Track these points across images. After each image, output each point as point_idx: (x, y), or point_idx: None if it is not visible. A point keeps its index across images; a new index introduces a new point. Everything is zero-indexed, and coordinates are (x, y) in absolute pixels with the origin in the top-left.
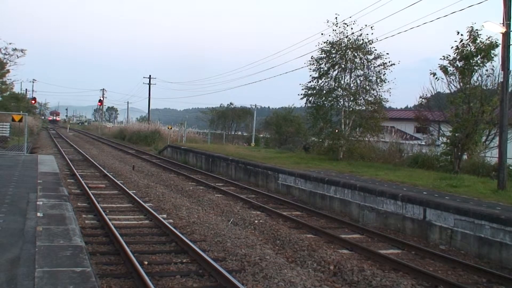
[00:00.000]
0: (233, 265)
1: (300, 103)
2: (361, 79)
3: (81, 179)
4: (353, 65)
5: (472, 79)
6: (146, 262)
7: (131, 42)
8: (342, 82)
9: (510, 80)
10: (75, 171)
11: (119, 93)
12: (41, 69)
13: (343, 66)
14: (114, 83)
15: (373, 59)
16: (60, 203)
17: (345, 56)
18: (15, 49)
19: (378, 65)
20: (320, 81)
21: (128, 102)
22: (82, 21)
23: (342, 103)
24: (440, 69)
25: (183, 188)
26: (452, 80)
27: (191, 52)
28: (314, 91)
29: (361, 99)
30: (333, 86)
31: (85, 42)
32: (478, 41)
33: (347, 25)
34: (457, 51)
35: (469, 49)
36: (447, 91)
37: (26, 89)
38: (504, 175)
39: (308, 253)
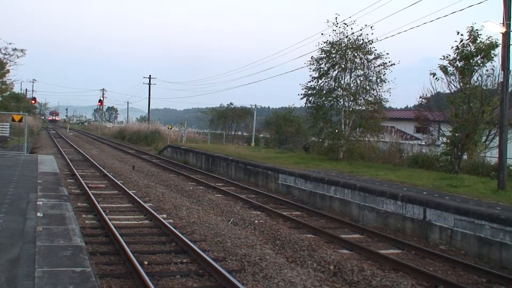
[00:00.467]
0: (233, 265)
1: (300, 103)
2: (361, 79)
3: (81, 179)
4: (353, 65)
5: (472, 79)
6: (146, 262)
7: (131, 42)
8: (342, 82)
9: (510, 80)
10: (75, 171)
11: (119, 93)
12: (41, 69)
13: (343, 66)
14: (114, 83)
15: (373, 59)
16: (60, 203)
17: (345, 56)
18: (15, 49)
19: (378, 65)
20: (320, 81)
21: (128, 102)
22: (82, 21)
23: (342, 103)
24: (440, 69)
25: (183, 188)
26: (452, 80)
27: (191, 52)
28: (314, 91)
29: (361, 99)
30: (333, 86)
31: (85, 42)
32: (478, 41)
33: (347, 25)
34: (457, 51)
35: (469, 49)
36: (447, 91)
37: (26, 89)
38: (504, 175)
39: (308, 253)
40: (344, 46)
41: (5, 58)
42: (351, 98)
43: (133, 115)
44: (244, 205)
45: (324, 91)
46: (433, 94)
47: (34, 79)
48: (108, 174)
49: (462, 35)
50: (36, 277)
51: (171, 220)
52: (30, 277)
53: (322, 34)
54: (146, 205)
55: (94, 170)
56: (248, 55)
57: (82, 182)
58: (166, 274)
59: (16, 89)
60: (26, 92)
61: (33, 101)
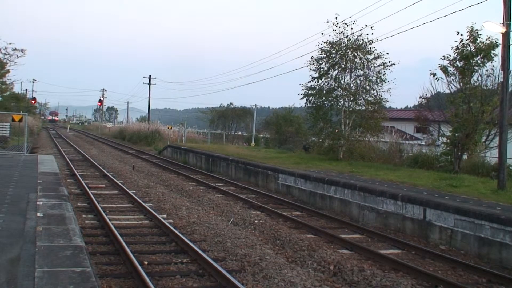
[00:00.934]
0: (233, 265)
1: (300, 103)
2: (361, 79)
3: (81, 179)
4: (353, 65)
5: (472, 79)
6: (146, 262)
7: (131, 42)
8: (342, 82)
9: (510, 80)
10: (75, 171)
11: (119, 93)
12: (41, 69)
13: (343, 66)
14: (114, 83)
15: (373, 59)
16: (60, 203)
17: (345, 56)
18: (15, 49)
19: (378, 65)
20: (320, 81)
21: (128, 102)
22: (82, 21)
23: (342, 103)
24: (440, 69)
25: (183, 188)
26: (452, 80)
27: (191, 52)
28: (314, 91)
29: (361, 99)
30: (333, 86)
31: (85, 42)
32: (478, 41)
33: (347, 25)
34: (457, 51)
35: (469, 49)
36: (447, 91)
37: (26, 89)
38: (504, 175)
39: (308, 253)
40: (344, 46)
41: (5, 58)
42: (351, 98)
43: (133, 115)
44: (244, 205)
45: (324, 91)
46: (433, 94)
47: (34, 79)
48: (108, 174)
49: (462, 35)
50: (36, 277)
51: (171, 220)
52: (30, 277)
53: (322, 34)
54: (146, 205)
55: (94, 170)
56: (248, 55)
57: (82, 182)
58: (166, 274)
59: (16, 89)
60: (26, 92)
61: (33, 101)
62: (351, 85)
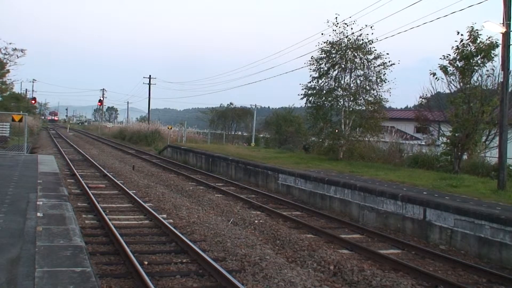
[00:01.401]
0: (233, 265)
1: (300, 103)
2: (361, 79)
3: (81, 179)
4: (353, 65)
5: (472, 79)
6: (146, 262)
7: (131, 42)
8: (342, 82)
9: (510, 80)
10: (75, 171)
11: (119, 93)
12: (41, 69)
13: (343, 66)
14: (114, 83)
15: (373, 59)
16: (60, 203)
17: (345, 56)
18: (15, 49)
19: (378, 65)
20: (320, 81)
21: (128, 102)
22: (82, 21)
23: (342, 103)
24: (440, 69)
25: (183, 188)
26: (452, 80)
27: (191, 52)
28: (314, 91)
29: (361, 99)
30: (333, 86)
31: (85, 42)
32: (478, 41)
33: (347, 25)
34: (457, 51)
35: (469, 49)
36: (447, 91)
37: (26, 89)
38: (504, 175)
39: (308, 253)
40: (344, 46)
41: (5, 58)
42: (351, 98)
43: (133, 115)
44: (244, 205)
45: (324, 91)
46: (433, 94)
47: (34, 79)
48: (108, 174)
49: (462, 35)
50: (36, 277)
51: (171, 220)
52: (30, 277)
53: (322, 34)
54: (146, 205)
55: (94, 170)
56: (248, 55)
57: (82, 182)
58: (166, 274)
59: (16, 89)
60: (26, 92)
61: (33, 101)
62: (351, 85)
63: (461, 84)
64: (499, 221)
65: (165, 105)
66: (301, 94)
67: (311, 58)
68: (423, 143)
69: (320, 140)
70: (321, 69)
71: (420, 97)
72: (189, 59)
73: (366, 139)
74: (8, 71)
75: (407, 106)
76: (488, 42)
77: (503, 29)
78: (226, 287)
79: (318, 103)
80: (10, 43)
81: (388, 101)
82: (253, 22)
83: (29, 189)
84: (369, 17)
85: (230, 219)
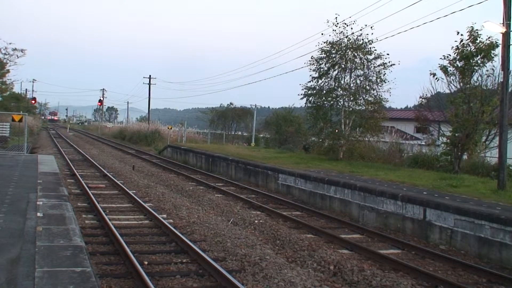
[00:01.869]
0: (233, 265)
1: (300, 103)
2: (361, 79)
3: (81, 179)
4: (353, 65)
5: (472, 79)
6: (146, 262)
7: (131, 42)
8: (342, 82)
9: (510, 80)
10: (75, 171)
11: (119, 93)
12: (41, 69)
13: (343, 66)
14: (114, 83)
15: (373, 59)
16: (60, 203)
17: (345, 56)
18: (15, 49)
19: (378, 65)
20: (320, 81)
21: (128, 102)
22: (82, 21)
23: (342, 103)
24: (440, 69)
25: (183, 188)
26: (452, 80)
27: (191, 52)
28: (314, 91)
29: (361, 99)
30: (333, 86)
31: (85, 42)
32: (478, 41)
33: (347, 25)
34: (457, 51)
35: (469, 49)
36: (447, 91)
37: (26, 89)
38: (504, 175)
39: (308, 253)
40: (344, 46)
41: (5, 58)
42: (351, 98)
43: (133, 115)
44: (244, 205)
45: (324, 91)
46: (433, 94)
47: (34, 79)
48: (108, 174)
49: (462, 35)
50: (36, 277)
51: (171, 220)
52: (30, 277)
53: (322, 34)
54: (146, 205)
55: (94, 170)
56: (248, 55)
57: (82, 182)
58: (166, 274)
59: (16, 89)
60: (26, 92)
61: (33, 101)
62: (351, 85)
63: (461, 84)
64: (499, 221)
65: (165, 105)
66: (301, 94)
67: (311, 58)
68: (423, 143)
69: (320, 140)
70: (321, 69)
71: (420, 97)
72: (189, 59)
73: (366, 139)
74: (8, 71)
75: (407, 106)
76: (488, 42)
77: (503, 29)
78: (226, 287)
79: (318, 103)
80: (10, 43)
81: (388, 101)
82: (253, 22)
83: (29, 189)
84: (369, 17)
85: (230, 219)
